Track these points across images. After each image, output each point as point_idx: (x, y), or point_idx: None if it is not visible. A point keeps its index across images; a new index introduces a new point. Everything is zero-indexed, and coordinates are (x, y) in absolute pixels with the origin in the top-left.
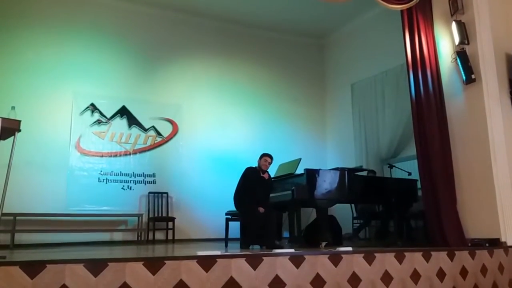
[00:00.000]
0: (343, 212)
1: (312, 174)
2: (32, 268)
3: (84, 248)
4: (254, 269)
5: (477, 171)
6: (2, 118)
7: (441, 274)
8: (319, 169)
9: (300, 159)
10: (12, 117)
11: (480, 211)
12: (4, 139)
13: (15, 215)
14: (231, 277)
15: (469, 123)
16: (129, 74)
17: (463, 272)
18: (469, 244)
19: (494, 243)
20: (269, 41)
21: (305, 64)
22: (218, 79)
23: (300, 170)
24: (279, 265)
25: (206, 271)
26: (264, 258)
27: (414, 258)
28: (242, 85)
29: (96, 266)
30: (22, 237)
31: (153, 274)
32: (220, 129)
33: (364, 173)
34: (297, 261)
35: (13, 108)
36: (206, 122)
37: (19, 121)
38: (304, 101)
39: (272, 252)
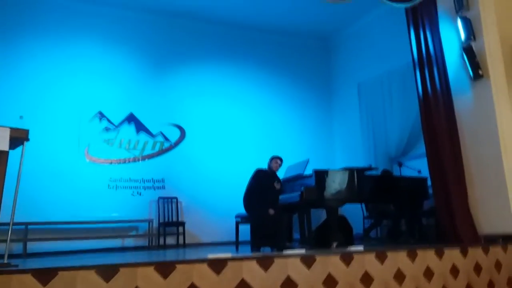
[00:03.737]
0: (354, 212)
1: (321, 175)
2: (44, 276)
3: (96, 255)
4: (265, 271)
5: (488, 166)
6: (10, 128)
7: (454, 271)
8: (328, 169)
9: (308, 160)
10: (20, 127)
11: (492, 206)
12: (13, 148)
13: (27, 224)
14: (243, 279)
15: (478, 119)
16: (135, 81)
17: (477, 269)
18: (482, 240)
19: (508, 239)
20: (275, 44)
21: (312, 65)
22: (224, 83)
23: (308, 171)
24: (291, 266)
25: (217, 274)
26: (275, 259)
27: (427, 256)
28: (249, 88)
29: (107, 272)
30: (35, 246)
31: (165, 278)
32: (226, 133)
33: (374, 172)
34: (308, 261)
35: (21, 117)
36: (213, 126)
37: (27, 131)
38: (311, 102)
39: (283, 253)
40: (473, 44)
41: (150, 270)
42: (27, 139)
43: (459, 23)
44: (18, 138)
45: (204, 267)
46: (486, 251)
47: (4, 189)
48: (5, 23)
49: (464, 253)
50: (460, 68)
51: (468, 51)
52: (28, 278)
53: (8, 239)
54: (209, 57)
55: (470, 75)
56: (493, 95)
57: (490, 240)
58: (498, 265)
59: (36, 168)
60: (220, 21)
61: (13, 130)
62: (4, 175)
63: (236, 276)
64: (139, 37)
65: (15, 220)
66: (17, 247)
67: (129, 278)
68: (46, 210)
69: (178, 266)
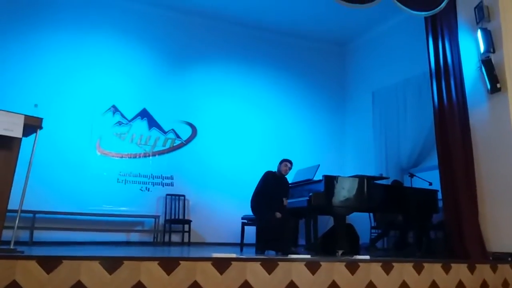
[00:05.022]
0: (361, 221)
1: (330, 181)
2: (49, 263)
3: (101, 248)
4: (269, 274)
5: (501, 183)
6: (25, 115)
7: (460, 287)
8: (338, 176)
9: (319, 165)
10: (34, 115)
11: (503, 224)
12: (26, 136)
13: (34, 212)
14: (246, 280)
15: (493, 133)
16: (150, 77)
17: (484, 286)
18: (491, 258)
19: None
20: (290, 46)
21: (326, 70)
22: (238, 84)
23: (318, 177)
24: (295, 271)
25: (221, 273)
26: (279, 263)
27: (433, 270)
28: (262, 90)
29: (111, 264)
30: (41, 235)
31: (168, 274)
32: (238, 133)
33: (385, 182)
34: (313, 267)
35: (35, 105)
36: (225, 126)
37: (41, 119)
38: (324, 107)
39: (288, 257)
40: (492, 57)
41: (154, 265)
42: (41, 127)
43: (479, 34)
44: (32, 125)
45: (208, 265)
46: (494, 268)
47: (15, 176)
48: (25, 14)
49: (472, 269)
50: (477, 80)
51: (487, 63)
52: (33, 264)
53: (16, 225)
54: (224, 56)
55: (487, 88)
56: (510, 109)
57: (498, 258)
58: (505, 284)
59: (47, 158)
60: (237, 21)
61: (27, 117)
62: (16, 161)
63: (240, 277)
64: (156, 33)
65: (24, 208)
66: (24, 235)
67: (133, 271)
68: (54, 200)
69: (182, 263)
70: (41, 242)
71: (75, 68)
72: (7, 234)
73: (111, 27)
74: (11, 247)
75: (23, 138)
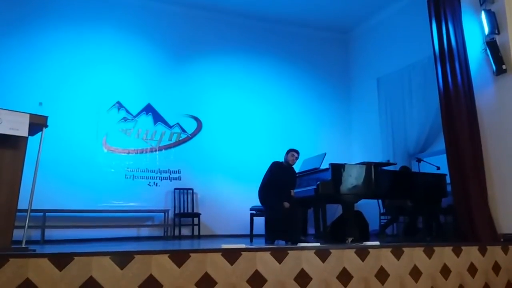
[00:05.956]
0: (370, 208)
1: (337, 169)
2: (60, 260)
3: (112, 244)
4: (279, 263)
5: (509, 164)
6: (30, 114)
7: (472, 270)
8: (345, 163)
9: (325, 153)
10: (39, 114)
11: None
12: (32, 135)
13: (45, 211)
14: (256, 270)
15: (500, 115)
16: (154, 72)
17: (496, 268)
18: (502, 239)
19: None
20: (293, 36)
21: (330, 58)
22: (241, 75)
23: (325, 165)
24: (305, 259)
25: (231, 264)
26: (289, 252)
27: (444, 253)
28: (266, 80)
29: (122, 259)
30: (53, 233)
31: (179, 267)
32: (244, 124)
33: (392, 168)
34: (323, 255)
35: (40, 104)
36: (230, 118)
37: (46, 117)
38: (329, 96)
39: (298, 246)
40: (497, 38)
41: (165, 258)
42: (46, 126)
43: (483, 16)
44: (37, 124)
45: (218, 256)
46: (505, 250)
47: (23, 175)
48: (27, 12)
49: (483, 251)
50: (482, 62)
51: (492, 45)
52: (45, 262)
53: (26, 225)
54: (227, 48)
55: (493, 69)
56: None
57: (509, 240)
58: None
59: (55, 157)
60: (239, 12)
61: (32, 116)
62: (23, 160)
63: (250, 267)
64: (158, 27)
65: (34, 207)
66: (35, 234)
67: (144, 265)
68: (64, 198)
69: (193, 255)
70: (53, 240)
71: (78, 66)
72: (18, 233)
73: (113, 22)
74: (23, 245)
75: (30, 137)
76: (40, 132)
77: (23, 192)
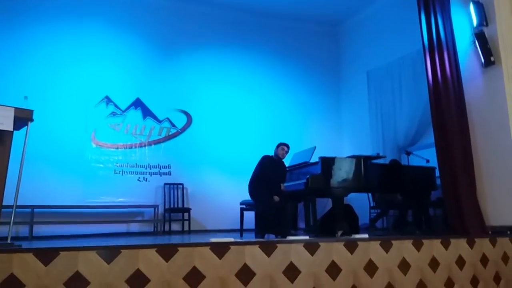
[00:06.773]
0: (360, 202)
1: (327, 163)
2: (46, 255)
3: (101, 239)
4: (268, 256)
5: (497, 157)
6: (15, 107)
7: (460, 262)
8: (335, 157)
9: (315, 147)
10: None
11: (501, 198)
12: (18, 129)
13: (32, 207)
14: (245, 264)
15: (488, 108)
16: (142, 66)
17: (484, 260)
18: (490, 232)
19: None
20: (283, 29)
21: (320, 52)
22: (231, 69)
23: (315, 159)
24: (294, 252)
25: (220, 258)
26: (278, 245)
27: (433, 246)
28: (255, 74)
29: (109, 253)
30: (41, 229)
31: (166, 261)
32: (233, 119)
33: (382, 161)
34: (312, 248)
35: (25, 98)
36: (220, 112)
37: (32, 111)
38: (319, 89)
39: (287, 239)
40: (485, 30)
41: (152, 252)
42: (32, 120)
43: (472, 8)
44: (23, 118)
45: (206, 250)
46: (493, 242)
47: (9, 171)
48: (13, 5)
49: (471, 244)
50: (471, 54)
51: (480, 37)
52: (30, 257)
53: (12, 220)
54: (216, 42)
55: (481, 61)
56: (505, 83)
57: (497, 232)
58: (505, 258)
59: (43, 152)
60: (228, 5)
61: (17, 110)
62: (9, 155)
63: (239, 261)
64: (147, 22)
65: (21, 203)
66: (23, 230)
67: (131, 260)
68: (52, 194)
69: (180, 249)
70: (41, 236)
71: (66, 60)
72: (4, 230)
73: (101, 16)
74: (8, 241)
75: (17, 132)
76: (26, 126)
77: (10, 188)
